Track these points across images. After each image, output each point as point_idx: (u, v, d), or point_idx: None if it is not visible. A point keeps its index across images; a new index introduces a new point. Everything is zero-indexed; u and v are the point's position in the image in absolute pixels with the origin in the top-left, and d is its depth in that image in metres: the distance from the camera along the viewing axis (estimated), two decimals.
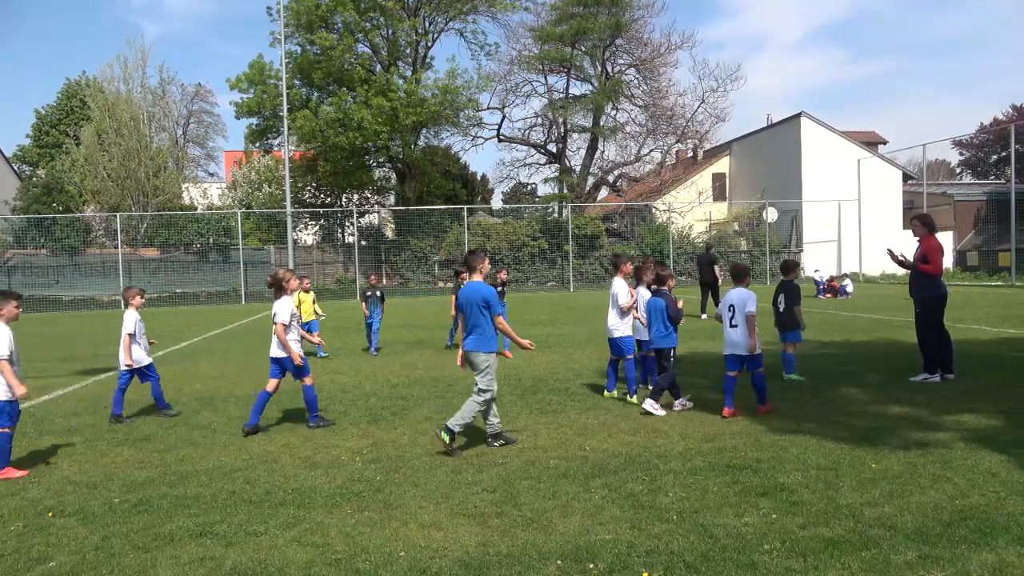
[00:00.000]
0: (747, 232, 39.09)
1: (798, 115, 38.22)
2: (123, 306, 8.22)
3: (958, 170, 68.05)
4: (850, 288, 25.49)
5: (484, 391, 6.35)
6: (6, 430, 6.05)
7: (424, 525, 4.59)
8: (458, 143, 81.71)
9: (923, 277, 8.99)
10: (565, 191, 41.47)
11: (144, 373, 8.24)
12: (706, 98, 42.82)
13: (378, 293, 13.37)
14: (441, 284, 35.45)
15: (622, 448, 6.21)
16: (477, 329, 6.34)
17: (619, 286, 8.27)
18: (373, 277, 13.90)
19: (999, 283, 29.74)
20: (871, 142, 42.04)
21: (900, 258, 9.33)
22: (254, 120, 38.92)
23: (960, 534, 4.17)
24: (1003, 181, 47.39)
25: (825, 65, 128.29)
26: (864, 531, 4.26)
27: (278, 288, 7.31)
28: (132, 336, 8.11)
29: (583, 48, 41.04)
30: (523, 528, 4.48)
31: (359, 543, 4.33)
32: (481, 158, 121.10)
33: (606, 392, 8.56)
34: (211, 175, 58.45)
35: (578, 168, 43.35)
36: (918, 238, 9.13)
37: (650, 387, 7.99)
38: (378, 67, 37.92)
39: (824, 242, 36.93)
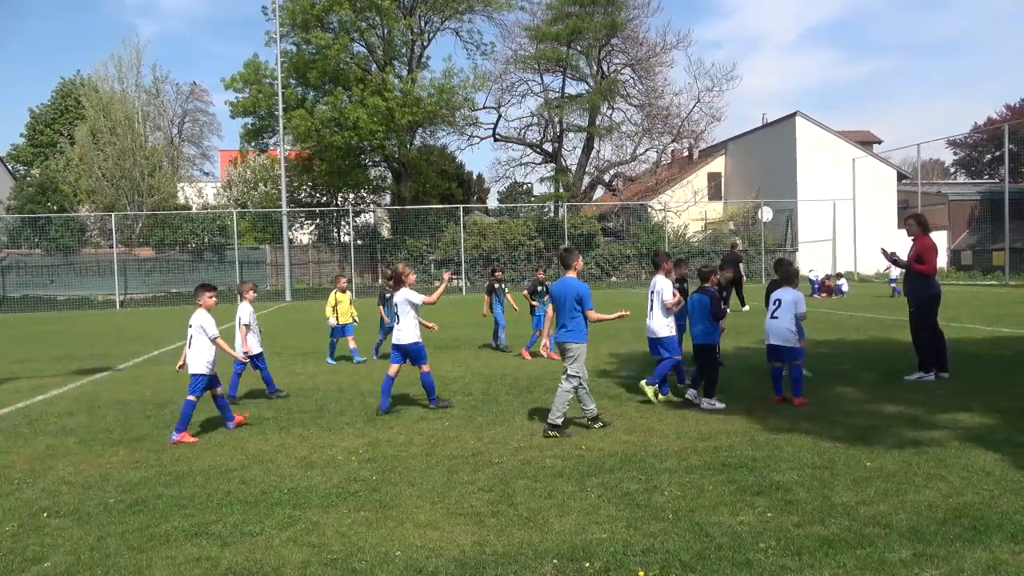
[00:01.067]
0: (742, 231, 39.16)
1: (793, 115, 38.32)
2: (238, 299, 9.12)
3: (952, 170, 68.27)
4: (845, 287, 25.57)
5: (572, 377, 6.80)
6: (192, 399, 7.07)
7: (420, 525, 4.58)
8: (454, 142, 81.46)
9: (917, 277, 9.01)
10: (561, 190, 41.50)
11: (255, 361, 8.98)
12: (701, 97, 43.00)
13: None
14: (438, 283, 35.40)
15: (618, 447, 6.21)
16: (571, 322, 6.80)
17: (663, 284, 8.14)
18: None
19: (993, 282, 29.85)
20: (866, 141, 42.15)
21: (894, 257, 9.36)
22: (249, 120, 38.87)
23: (954, 532, 4.18)
24: (997, 181, 47.59)
25: (820, 65, 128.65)
26: (859, 529, 4.27)
27: (397, 281, 8.06)
28: (248, 327, 8.94)
29: (579, 48, 41.07)
30: (519, 527, 4.48)
31: (355, 543, 4.32)
32: (477, 157, 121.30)
33: (659, 396, 8.13)
34: (206, 174, 58.38)
35: (574, 167, 43.41)
36: (912, 237, 9.16)
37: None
38: (374, 66, 37.88)
39: (819, 241, 37.01)
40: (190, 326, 7.32)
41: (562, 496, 5.01)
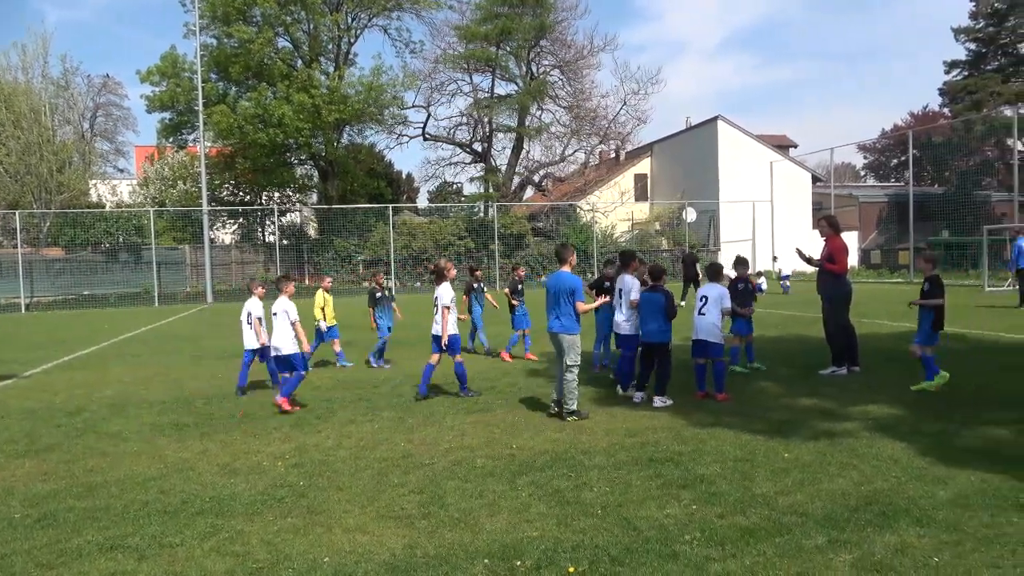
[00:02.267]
0: (667, 231, 40.15)
1: (715, 119, 39.53)
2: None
3: (863, 173, 71.93)
4: (764, 286, 26.54)
5: (573, 366, 7.22)
6: (303, 373, 8.19)
7: (349, 529, 4.51)
8: (383, 141, 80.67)
9: (829, 275, 9.44)
10: (491, 190, 41.56)
11: (264, 353, 9.15)
12: (628, 100, 43.81)
13: (389, 293, 11.71)
14: (366, 284, 34.89)
15: (549, 445, 6.27)
16: (564, 315, 7.24)
17: (632, 283, 8.36)
18: (381, 277, 11.85)
19: (899, 280, 31.56)
20: (782, 145, 43.92)
21: (808, 257, 9.79)
22: (167, 114, 37.32)
23: (866, 518, 4.41)
24: (902, 184, 50.41)
25: (739, 70, 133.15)
26: (778, 518, 4.44)
27: (439, 276, 8.65)
28: (261, 320, 9.06)
29: (508, 48, 41.23)
30: (450, 528, 4.47)
31: (281, 550, 4.22)
32: (406, 156, 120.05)
33: (619, 390, 8.41)
34: (121, 171, 55.76)
35: (504, 168, 43.54)
36: (825, 238, 9.59)
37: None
38: (299, 62, 37.01)
39: (740, 241, 38.28)
40: (274, 313, 8.17)
41: (493, 496, 5.02)
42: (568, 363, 7.25)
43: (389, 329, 11.42)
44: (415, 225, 36.44)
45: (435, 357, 8.54)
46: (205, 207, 30.74)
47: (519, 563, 3.94)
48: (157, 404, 8.67)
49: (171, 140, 38.97)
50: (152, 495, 5.30)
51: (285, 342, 8.13)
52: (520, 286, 11.98)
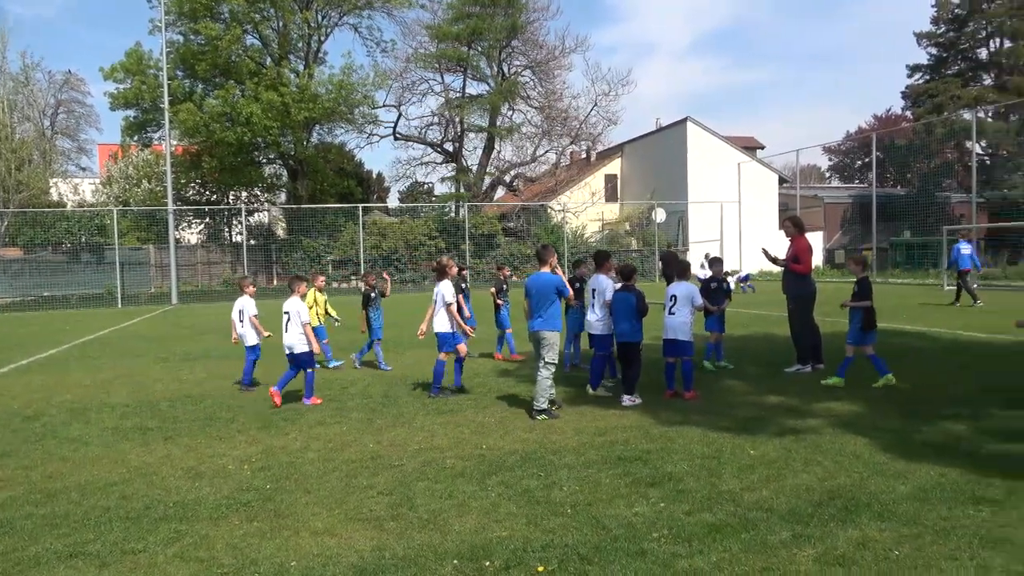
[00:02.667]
0: (637, 232, 40.46)
1: (684, 120, 39.94)
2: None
3: (827, 174, 73.27)
4: (731, 285, 26.91)
5: (550, 364, 7.34)
6: (312, 370, 8.48)
7: (317, 532, 4.47)
8: (353, 140, 79.95)
9: (794, 275, 9.60)
10: (462, 190, 41.48)
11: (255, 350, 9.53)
12: (599, 101, 43.98)
13: (377, 293, 11.34)
14: (336, 284, 34.59)
15: (518, 445, 6.28)
16: (547, 313, 7.40)
17: (607, 283, 8.34)
18: (372, 277, 11.50)
19: None
20: (750, 147, 44.45)
21: (774, 257, 9.95)
22: (132, 112, 36.62)
23: (829, 513, 4.49)
24: (866, 185, 51.46)
25: (708, 71, 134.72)
26: (744, 514, 4.50)
27: (441, 272, 8.77)
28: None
29: (479, 48, 41.20)
30: (419, 530, 4.45)
31: (247, 555, 4.16)
32: (377, 156, 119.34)
33: (589, 389, 8.43)
34: (83, 170, 54.45)
35: (475, 168, 43.48)
36: (790, 238, 9.75)
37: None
38: (268, 60, 36.57)
39: (708, 241, 38.73)
40: (285, 312, 8.41)
41: (462, 496, 5.02)
42: (545, 360, 7.34)
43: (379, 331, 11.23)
44: (385, 225, 36.22)
45: (442, 354, 8.63)
46: (171, 206, 30.20)
47: (488, 563, 3.94)
48: (119, 408, 8.50)
49: (136, 138, 38.26)
50: (114, 501, 5.19)
51: (297, 341, 8.40)
52: (505, 286, 12.04)
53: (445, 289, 8.57)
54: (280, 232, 40.20)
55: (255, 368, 9.62)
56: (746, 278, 27.95)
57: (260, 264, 35.06)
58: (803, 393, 8.07)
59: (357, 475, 5.59)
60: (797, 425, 6.66)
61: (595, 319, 8.45)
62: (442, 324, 8.56)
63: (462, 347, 8.71)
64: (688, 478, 5.23)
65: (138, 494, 5.32)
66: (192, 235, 40.40)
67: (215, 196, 41.33)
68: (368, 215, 36.39)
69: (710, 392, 8.31)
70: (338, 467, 5.82)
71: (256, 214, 41.59)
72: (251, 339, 9.56)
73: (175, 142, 35.46)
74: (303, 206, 36.20)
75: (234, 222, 38.97)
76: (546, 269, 7.62)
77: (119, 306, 28.42)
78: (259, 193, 43.70)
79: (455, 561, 3.98)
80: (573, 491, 5.04)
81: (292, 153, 38.01)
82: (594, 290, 8.49)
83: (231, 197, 41.42)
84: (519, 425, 7.04)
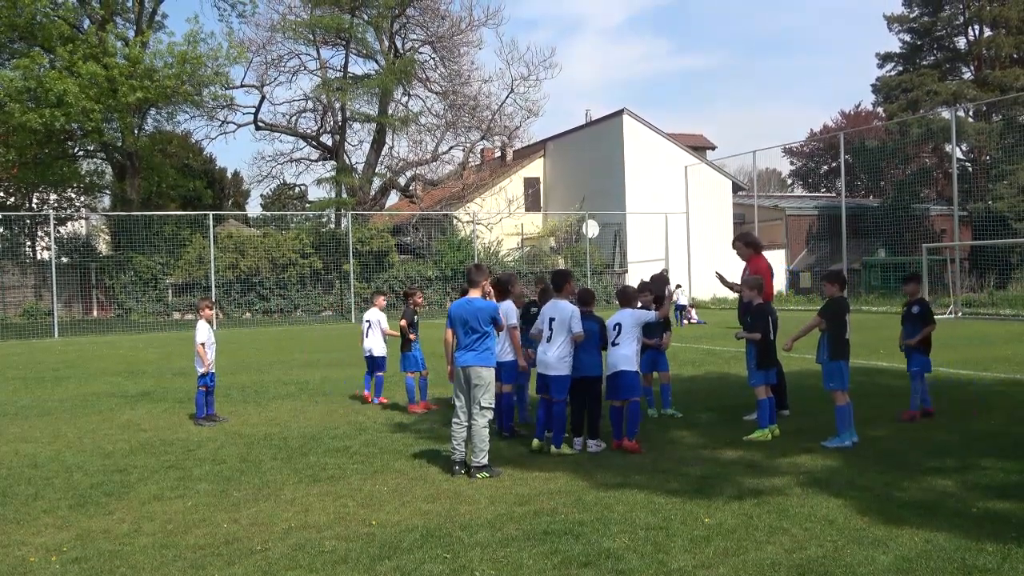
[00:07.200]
0: (565, 248, 41.14)
1: (620, 112, 41.08)
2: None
3: (789, 181, 76.96)
4: (695, 315, 27.78)
5: (487, 409, 7.60)
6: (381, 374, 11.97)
7: None
8: (201, 129, 78.45)
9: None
10: (344, 195, 41.16)
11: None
12: (516, 87, 44.61)
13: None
14: (177, 316, 33.49)
15: (418, 519, 6.23)
16: (480, 347, 7.60)
17: (572, 311, 8.27)
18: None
19: None
20: (699, 147, 46.21)
21: (729, 282, 10.32)
22: None
23: None
24: (834, 194, 54.31)
25: (648, 56, 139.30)
26: None
27: (502, 291, 9.26)
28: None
29: (366, 17, 41.19)
30: None
31: None
32: (233, 150, 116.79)
33: (535, 442, 8.47)
34: None
35: (361, 167, 43.32)
36: (745, 261, 10.13)
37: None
38: (87, 23, 35.43)
39: (650, 261, 39.75)
40: (367, 321, 11.99)
41: None
42: (482, 404, 7.55)
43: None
44: (244, 238, 35.46)
45: (508, 387, 9.13)
46: None
47: None
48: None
49: None
50: None
51: (378, 345, 11.79)
52: (416, 317, 11.60)
53: (508, 310, 8.92)
54: (103, 247, 38.73)
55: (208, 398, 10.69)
56: (682, 307, 27.98)
57: (75, 288, 33.55)
58: (765, 445, 8.37)
59: (206, 566, 5.39)
60: (759, 485, 6.88)
61: (554, 356, 8.28)
62: (504, 352, 8.93)
63: (507, 387, 9.19)
64: (630, 555, 5.31)
65: None
66: None
67: (13, 199, 39.58)
68: (221, 225, 35.60)
69: (656, 446, 8.49)
70: (181, 555, 5.60)
71: (70, 223, 39.96)
72: (201, 367, 10.78)
73: None
74: (134, 213, 35.00)
75: (39, 233, 37.35)
76: (476, 293, 7.85)
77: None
78: (74, 196, 42.15)
79: None
80: None
81: (119, 144, 36.84)
82: (552, 319, 8.31)
83: (35, 201, 39.70)
84: (418, 494, 6.98)
